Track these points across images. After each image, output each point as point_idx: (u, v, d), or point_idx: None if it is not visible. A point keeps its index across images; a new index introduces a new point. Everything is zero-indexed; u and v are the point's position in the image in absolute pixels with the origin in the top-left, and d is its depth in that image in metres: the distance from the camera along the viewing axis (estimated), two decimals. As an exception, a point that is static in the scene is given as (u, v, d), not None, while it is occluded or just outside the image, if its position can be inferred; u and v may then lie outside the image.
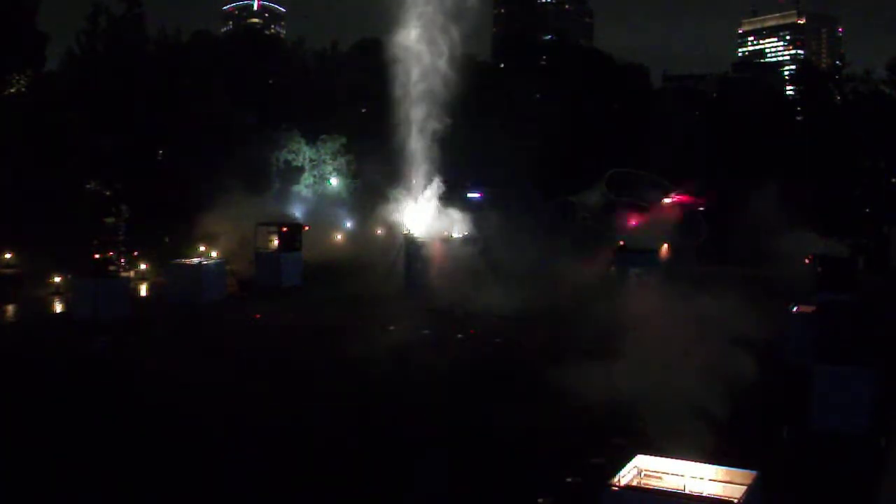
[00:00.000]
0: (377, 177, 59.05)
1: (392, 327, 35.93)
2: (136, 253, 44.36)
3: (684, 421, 17.65)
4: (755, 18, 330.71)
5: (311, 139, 61.17)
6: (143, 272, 46.16)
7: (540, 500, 18.38)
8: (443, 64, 53.61)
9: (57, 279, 41.68)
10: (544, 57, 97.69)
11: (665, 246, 51.37)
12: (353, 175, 61.15)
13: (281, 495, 19.36)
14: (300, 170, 60.37)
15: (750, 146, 73.00)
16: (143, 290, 44.25)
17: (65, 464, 20.44)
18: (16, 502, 18.74)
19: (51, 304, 39.99)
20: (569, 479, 19.39)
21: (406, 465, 20.89)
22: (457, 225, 53.30)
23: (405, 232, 49.60)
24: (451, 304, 39.54)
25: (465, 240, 50.41)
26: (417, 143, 64.82)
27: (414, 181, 56.36)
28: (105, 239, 40.77)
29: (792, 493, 18.69)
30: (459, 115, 61.98)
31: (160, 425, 23.22)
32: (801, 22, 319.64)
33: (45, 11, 59.55)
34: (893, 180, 74.53)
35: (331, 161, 61.22)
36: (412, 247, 48.02)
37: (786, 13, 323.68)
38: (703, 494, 15.15)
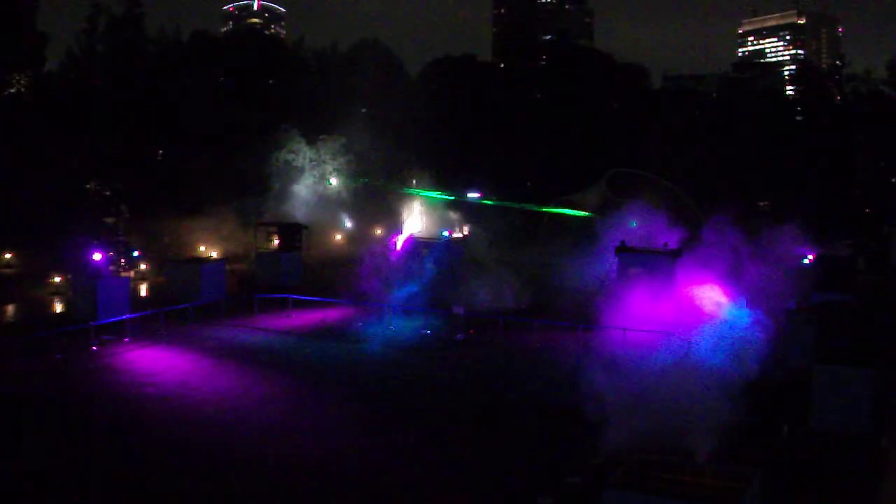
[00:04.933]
0: (377, 177, 58.88)
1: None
2: (136, 253, 44.28)
3: None
4: (755, 18, 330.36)
5: (311, 139, 61.13)
6: (143, 272, 46.08)
7: (540, 501, 18.36)
8: (442, 63, 53.52)
9: (57, 279, 41.63)
10: (544, 57, 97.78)
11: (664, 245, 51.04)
12: (353, 175, 61.13)
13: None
14: (300, 170, 60.33)
15: (750, 147, 72.94)
16: (143, 290, 44.13)
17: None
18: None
19: (51, 304, 39.91)
20: (569, 479, 19.38)
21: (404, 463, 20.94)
22: (456, 225, 53.25)
23: (408, 232, 49.54)
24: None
25: (465, 239, 50.34)
26: (417, 143, 64.74)
27: (414, 181, 56.21)
28: (105, 239, 40.61)
29: (792, 492, 18.69)
30: (459, 115, 61.84)
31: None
32: (801, 22, 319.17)
33: (45, 11, 59.63)
34: (893, 180, 74.50)
35: (331, 161, 61.15)
36: (412, 247, 47.93)
37: (786, 13, 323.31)
38: (703, 494, 15.16)
